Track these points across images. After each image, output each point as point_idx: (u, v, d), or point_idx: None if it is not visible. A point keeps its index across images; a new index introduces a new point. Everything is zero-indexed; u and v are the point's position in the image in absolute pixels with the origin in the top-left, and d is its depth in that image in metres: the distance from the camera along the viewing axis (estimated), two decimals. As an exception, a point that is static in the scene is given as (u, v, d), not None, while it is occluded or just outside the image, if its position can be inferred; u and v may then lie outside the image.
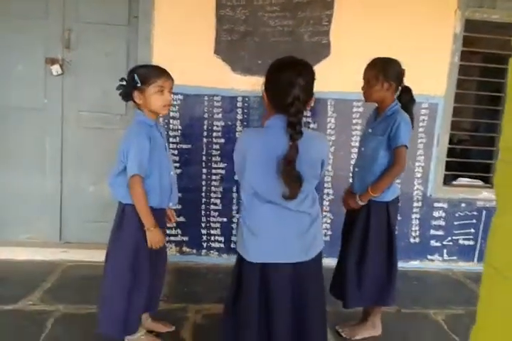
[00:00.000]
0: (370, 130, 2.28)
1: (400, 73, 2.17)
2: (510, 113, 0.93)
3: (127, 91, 1.94)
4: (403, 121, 2.12)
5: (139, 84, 1.90)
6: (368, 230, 2.24)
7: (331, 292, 2.35)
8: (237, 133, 3.12)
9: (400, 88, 2.20)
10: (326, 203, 3.25)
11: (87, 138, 3.16)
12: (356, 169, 2.35)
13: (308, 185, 1.57)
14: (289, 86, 1.50)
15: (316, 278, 1.67)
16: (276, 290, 1.60)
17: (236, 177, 1.69)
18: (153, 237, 1.99)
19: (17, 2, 3.00)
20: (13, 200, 3.18)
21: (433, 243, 3.36)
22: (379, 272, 2.28)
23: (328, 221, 3.25)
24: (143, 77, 1.90)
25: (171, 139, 3.07)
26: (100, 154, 3.15)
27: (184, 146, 3.11)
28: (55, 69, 3.03)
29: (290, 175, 1.48)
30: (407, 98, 2.21)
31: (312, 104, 1.64)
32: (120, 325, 2.02)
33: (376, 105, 2.29)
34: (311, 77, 1.56)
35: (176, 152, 3.10)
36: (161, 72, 1.96)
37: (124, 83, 1.94)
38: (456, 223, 3.34)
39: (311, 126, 3.16)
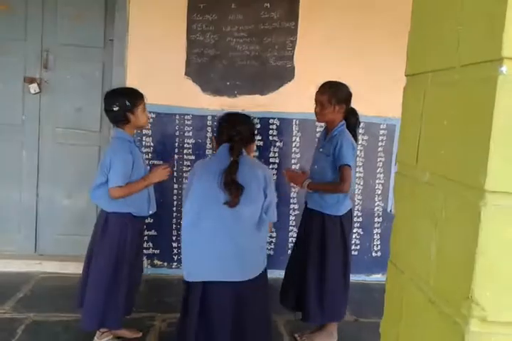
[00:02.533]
0: (320, 149, 2.44)
1: (348, 96, 2.34)
2: (402, 133, 1.11)
3: (123, 114, 2.16)
4: (345, 142, 2.27)
5: (130, 107, 2.16)
6: (325, 244, 2.34)
7: (282, 303, 2.45)
8: (207, 150, 3.27)
9: (347, 110, 2.36)
10: (292, 218, 3.40)
11: (63, 154, 3.28)
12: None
13: (251, 200, 1.74)
14: (230, 139, 1.85)
15: (258, 300, 1.81)
16: (215, 310, 1.73)
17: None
18: (156, 177, 2.24)
19: (-3, 24, 3.15)
20: (-10, 213, 3.26)
21: (394, 256, 3.50)
22: (338, 287, 2.37)
23: (294, 235, 3.39)
24: (132, 99, 2.17)
25: (143, 155, 3.19)
26: (75, 169, 3.27)
27: (156, 162, 3.23)
28: (33, 87, 3.16)
29: (231, 182, 1.69)
30: (353, 119, 2.38)
31: (253, 149, 1.98)
32: (99, 317, 2.16)
33: (325, 125, 2.46)
34: (247, 129, 1.93)
35: (148, 167, 3.20)
36: (141, 93, 2.24)
37: (118, 108, 2.15)
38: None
39: (277, 144, 3.32)
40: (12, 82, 3.19)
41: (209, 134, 3.27)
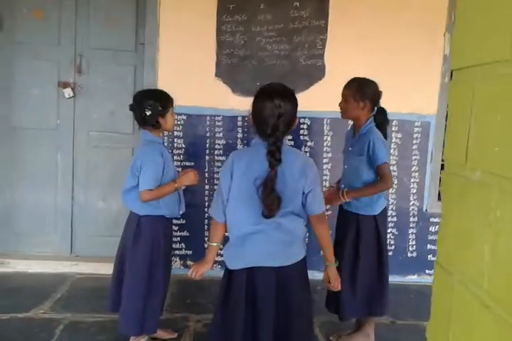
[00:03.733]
0: (350, 148, 2.40)
1: (375, 94, 2.29)
2: (450, 130, 1.07)
3: (155, 118, 2.15)
4: (377, 140, 2.23)
5: (161, 111, 2.15)
6: (359, 243, 2.32)
7: (326, 306, 2.43)
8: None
9: (375, 108, 2.31)
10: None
11: (97, 157, 3.34)
12: (342, 186, 2.42)
13: (290, 202, 1.68)
14: (269, 117, 1.64)
15: (297, 284, 1.75)
16: (260, 294, 1.69)
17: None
18: (185, 180, 2.20)
19: (33, 31, 3.22)
20: (27, 215, 3.35)
21: (430, 257, 3.43)
22: (371, 283, 2.34)
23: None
24: (163, 102, 2.16)
25: (175, 157, 3.23)
26: (109, 171, 3.32)
27: (187, 164, 3.26)
28: (67, 92, 3.23)
29: (268, 197, 1.62)
30: (381, 118, 2.32)
31: (294, 128, 1.77)
32: (138, 323, 2.17)
33: (352, 122, 2.42)
34: (291, 106, 1.68)
35: (179, 169, 3.23)
36: (169, 96, 2.22)
37: (150, 113, 2.14)
38: (452, 237, 3.40)
39: (309, 144, 3.30)
40: (47, 87, 3.26)
41: (239, 135, 3.28)
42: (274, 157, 1.62)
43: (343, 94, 2.33)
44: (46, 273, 3.22)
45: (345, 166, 2.45)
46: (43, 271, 3.23)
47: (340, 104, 2.35)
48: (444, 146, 3.14)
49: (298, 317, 1.73)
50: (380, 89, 2.31)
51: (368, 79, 2.31)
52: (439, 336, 1.04)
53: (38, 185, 3.33)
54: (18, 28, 3.21)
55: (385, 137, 2.34)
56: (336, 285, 1.88)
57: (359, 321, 2.50)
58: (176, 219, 2.45)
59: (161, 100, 2.17)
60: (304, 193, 1.71)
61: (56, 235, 3.39)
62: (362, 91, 2.28)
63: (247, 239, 1.71)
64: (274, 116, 1.63)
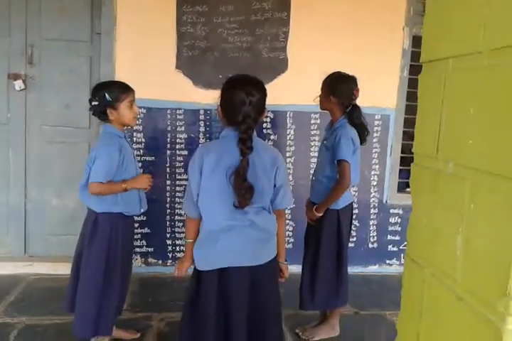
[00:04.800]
0: (324, 141, 2.41)
1: (346, 91, 2.29)
2: (419, 122, 1.06)
3: (101, 109, 2.05)
4: (343, 136, 2.24)
5: (111, 102, 2.03)
6: (320, 236, 2.35)
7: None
8: (200, 145, 3.21)
9: (352, 105, 2.32)
10: (287, 211, 3.36)
11: (51, 152, 3.19)
12: (313, 178, 2.48)
13: (262, 196, 1.65)
14: (240, 105, 1.61)
15: (270, 282, 1.74)
16: (233, 294, 1.66)
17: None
18: (137, 184, 2.11)
19: (-21, 19, 3.03)
20: (-23, 215, 3.17)
21: (390, 248, 3.51)
22: (329, 277, 2.38)
23: (290, 228, 3.36)
24: (114, 94, 2.04)
25: (135, 152, 3.12)
26: (63, 167, 3.19)
27: (148, 158, 3.18)
28: (18, 84, 3.06)
29: (241, 186, 1.59)
30: (353, 115, 2.32)
31: (263, 119, 1.75)
32: (92, 325, 2.08)
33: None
34: (261, 95, 1.67)
35: (140, 164, 3.14)
36: (127, 88, 2.11)
37: (97, 103, 2.03)
38: (411, 228, 3.48)
39: (272, 137, 3.28)
40: (-4, 79, 3.08)
41: (201, 129, 3.22)
42: (245, 145, 1.60)
43: (321, 87, 2.36)
44: (-1, 275, 3.07)
45: (318, 159, 2.48)
46: (-5, 273, 3.08)
47: (320, 96, 2.37)
48: (404, 139, 3.19)
49: (270, 316, 1.72)
50: (357, 88, 2.31)
51: (344, 76, 2.32)
52: (410, 329, 1.04)
53: (-13, 183, 3.16)
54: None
55: (362, 140, 2.35)
56: (286, 273, 1.88)
57: (323, 313, 2.53)
58: (136, 216, 2.36)
59: (113, 91, 2.04)
60: (275, 186, 1.69)
61: (9, 235, 3.23)
62: (332, 86, 2.31)
63: (220, 237, 1.66)
64: (244, 104, 1.61)
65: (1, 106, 3.12)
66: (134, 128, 3.11)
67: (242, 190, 1.59)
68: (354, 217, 3.39)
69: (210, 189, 1.66)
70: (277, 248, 1.77)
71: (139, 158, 3.14)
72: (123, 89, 2.08)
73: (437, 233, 0.93)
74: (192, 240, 1.77)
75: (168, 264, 3.29)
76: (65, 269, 2.97)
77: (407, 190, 3.57)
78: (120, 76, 2.94)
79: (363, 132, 2.36)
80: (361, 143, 2.37)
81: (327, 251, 2.36)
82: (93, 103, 2.04)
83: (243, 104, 1.61)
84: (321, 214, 2.32)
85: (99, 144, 2.10)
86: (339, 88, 2.30)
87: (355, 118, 2.32)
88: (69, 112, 3.15)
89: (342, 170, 2.25)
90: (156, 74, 3.08)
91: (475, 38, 0.81)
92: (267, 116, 3.22)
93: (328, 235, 2.35)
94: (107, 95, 2.02)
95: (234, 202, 1.61)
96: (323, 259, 2.36)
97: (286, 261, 1.87)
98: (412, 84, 3.42)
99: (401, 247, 3.51)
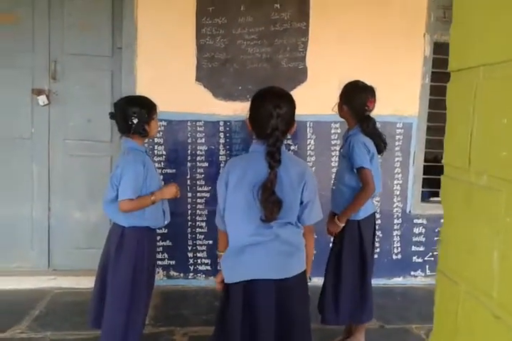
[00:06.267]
0: (341, 149, 2.40)
1: (362, 102, 2.26)
2: (449, 132, 1.03)
3: (142, 126, 2.09)
4: (356, 143, 2.22)
5: (148, 118, 2.10)
6: (342, 248, 2.31)
7: (318, 309, 2.39)
8: (220, 156, 3.21)
9: (365, 116, 2.28)
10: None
11: (74, 166, 3.22)
12: (333, 187, 2.46)
13: (289, 211, 1.62)
14: (268, 117, 1.59)
15: (298, 296, 1.68)
16: (260, 308, 1.62)
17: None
18: (166, 193, 2.15)
19: (4, 35, 3.10)
20: (1, 228, 3.20)
21: (415, 259, 3.43)
22: (353, 290, 2.33)
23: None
24: (149, 109, 2.11)
25: (156, 164, 3.14)
26: (86, 181, 3.21)
27: (169, 171, 3.19)
28: (42, 99, 3.11)
29: (269, 200, 1.56)
30: (366, 127, 2.28)
31: (294, 131, 1.72)
32: (119, 339, 2.07)
33: None
34: (290, 107, 1.65)
35: (161, 177, 3.16)
36: (153, 102, 2.17)
37: (136, 120, 2.07)
38: (436, 238, 3.39)
39: (292, 148, 3.26)
40: (20, 95, 3.13)
41: (222, 140, 3.21)
42: (274, 158, 1.57)
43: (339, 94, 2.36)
44: (23, 290, 3.08)
45: (338, 168, 2.47)
46: (19, 288, 3.09)
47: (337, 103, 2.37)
48: (427, 147, 3.13)
49: (299, 332, 1.67)
50: (372, 99, 2.28)
51: (359, 86, 2.30)
52: (444, 347, 0.99)
53: (12, 197, 3.20)
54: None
55: (380, 151, 2.32)
56: None
57: (348, 327, 2.47)
58: (159, 228, 2.37)
59: (147, 107, 2.11)
60: (302, 203, 1.65)
61: (33, 249, 3.25)
62: (346, 96, 2.31)
63: (245, 250, 1.63)
64: (273, 116, 1.59)
65: (25, 121, 3.16)
66: (155, 141, 3.13)
67: (270, 204, 1.56)
68: (377, 227, 3.35)
69: (235, 204, 1.64)
70: (307, 263, 1.73)
71: (160, 170, 3.15)
72: (153, 105, 2.15)
73: (471, 248, 0.89)
74: (223, 253, 1.76)
75: (189, 277, 3.28)
76: (88, 283, 2.97)
77: (431, 199, 3.50)
78: (141, 89, 2.98)
79: (379, 143, 2.32)
80: (379, 154, 2.34)
81: (349, 264, 2.31)
82: (134, 121, 2.07)
83: (271, 116, 1.59)
84: (343, 225, 2.28)
85: (123, 161, 2.11)
86: (352, 98, 2.28)
87: (367, 128, 2.28)
88: (91, 126, 3.18)
89: (364, 178, 2.21)
90: (177, 87, 3.10)
91: (507, 45, 0.78)
92: (287, 127, 3.20)
93: (349, 247, 2.31)
94: (145, 113, 2.08)
95: (261, 216, 1.59)
96: (346, 272, 2.31)
97: (309, 278, 1.83)
98: (434, 91, 3.37)
99: (426, 258, 3.43)
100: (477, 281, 0.85)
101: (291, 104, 1.67)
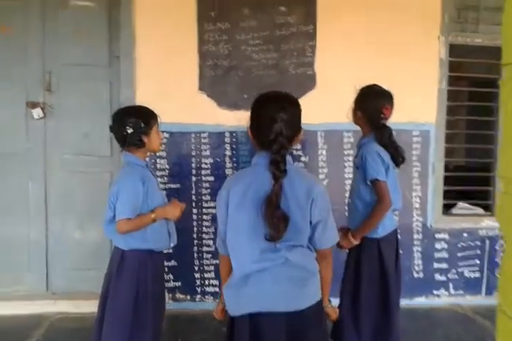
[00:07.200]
0: (354, 159, 2.23)
1: (376, 108, 2.08)
2: (506, 140, 0.84)
3: (138, 137, 1.93)
4: (369, 153, 2.04)
5: (145, 128, 1.93)
6: (360, 268, 2.12)
7: (332, 336, 2.18)
8: (226, 169, 3.03)
9: (380, 124, 2.10)
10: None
11: (72, 182, 3.06)
12: (348, 201, 2.27)
13: (297, 232, 1.41)
14: (271, 121, 1.40)
15: (314, 332, 1.46)
16: None
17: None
18: (169, 213, 1.97)
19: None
20: (-3, 250, 3.06)
21: (438, 277, 3.21)
22: (375, 313, 2.12)
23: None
24: (146, 119, 1.94)
25: (158, 179, 2.97)
26: (86, 198, 3.05)
27: (172, 186, 3.02)
28: (37, 112, 2.97)
29: (273, 215, 1.36)
30: (380, 136, 2.09)
31: (301, 139, 1.53)
32: None
33: None
34: (295, 110, 1.47)
35: (164, 192, 2.99)
36: (154, 112, 2.01)
37: (132, 131, 1.91)
38: (459, 254, 3.20)
39: (302, 159, 3.07)
40: (14, 108, 2.99)
41: (228, 152, 3.04)
42: (278, 167, 1.37)
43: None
44: (20, 315, 2.89)
45: (352, 179, 2.30)
46: (16, 313, 2.91)
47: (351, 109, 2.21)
48: (445, 156, 2.87)
49: None
50: (388, 106, 2.09)
51: (375, 90, 2.13)
52: None
53: (7, 216, 3.04)
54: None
55: (397, 163, 2.13)
56: (334, 316, 1.65)
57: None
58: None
59: (144, 116, 1.95)
60: (311, 223, 1.44)
61: (30, 271, 3.08)
62: (360, 100, 2.14)
63: (250, 278, 1.42)
64: (275, 120, 1.40)
65: (20, 136, 3.02)
66: (158, 154, 2.96)
67: (275, 219, 1.35)
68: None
69: (237, 226, 1.43)
70: (323, 291, 1.50)
71: (163, 185, 2.98)
72: (152, 114, 1.99)
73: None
74: (225, 280, 1.55)
75: (196, 300, 3.08)
76: (89, 307, 2.80)
77: (453, 212, 3.28)
78: (141, 100, 2.83)
79: (396, 156, 2.12)
80: (397, 166, 2.15)
81: (369, 285, 2.10)
82: (128, 131, 1.91)
83: (274, 120, 1.40)
84: (357, 242, 2.08)
85: (120, 176, 1.97)
86: (366, 103, 2.10)
87: (382, 139, 2.09)
88: (89, 140, 3.03)
89: (378, 191, 2.02)
90: (179, 97, 2.95)
91: None
92: (296, 137, 3.02)
93: (368, 268, 2.10)
94: (141, 122, 1.91)
95: (265, 234, 1.38)
96: (365, 295, 2.10)
97: (330, 301, 1.62)
98: (452, 96, 3.18)
99: (449, 276, 3.21)
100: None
101: (296, 107, 1.48)
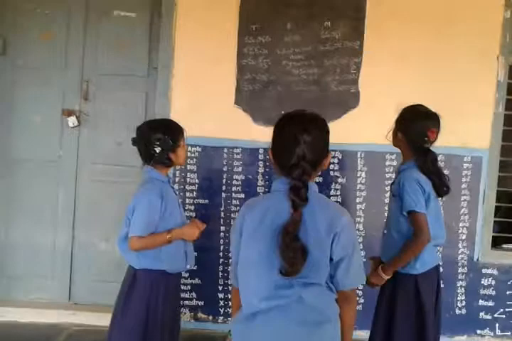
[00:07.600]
0: (391, 186, 2.04)
1: (420, 130, 1.91)
2: None
3: (166, 155, 1.88)
4: (407, 181, 1.87)
5: (173, 146, 1.89)
6: (394, 305, 1.94)
7: None
8: (258, 187, 2.92)
9: (424, 148, 1.92)
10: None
11: (101, 192, 3.05)
12: (384, 231, 2.11)
13: (314, 269, 1.24)
14: (292, 144, 1.26)
15: None
16: None
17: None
18: (186, 234, 1.89)
19: (36, 53, 3.02)
20: (22, 256, 3.07)
21: (482, 315, 2.94)
22: None
23: (360, 287, 2.90)
24: (174, 136, 1.90)
25: (187, 193, 2.91)
26: (114, 209, 2.98)
27: (201, 201, 2.94)
28: (72, 120, 2.98)
29: (290, 247, 1.20)
30: (423, 162, 1.91)
31: (327, 164, 1.37)
32: None
33: None
34: (320, 132, 1.31)
35: (192, 207, 2.92)
36: (180, 127, 1.96)
37: (159, 149, 1.86)
38: (508, 292, 2.92)
39: (339, 180, 2.92)
40: (50, 115, 3.02)
41: (260, 169, 2.93)
42: (299, 195, 1.22)
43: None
44: (39, 323, 2.88)
45: (389, 207, 2.14)
46: (36, 321, 2.90)
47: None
48: (498, 185, 2.57)
49: None
50: (434, 128, 1.93)
51: (420, 111, 1.97)
52: None
53: (35, 223, 3.04)
54: (22, 51, 3.02)
55: (441, 194, 1.96)
56: None
57: None
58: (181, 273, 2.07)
59: (171, 133, 1.90)
60: (332, 260, 1.26)
61: (53, 279, 3.07)
62: (402, 121, 1.98)
63: (258, 316, 1.26)
64: (298, 143, 1.25)
65: (53, 143, 3.05)
66: (188, 168, 2.90)
67: (291, 252, 1.19)
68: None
69: (249, 257, 1.29)
70: (343, 337, 1.31)
71: (191, 200, 2.92)
72: (179, 129, 1.94)
73: None
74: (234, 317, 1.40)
75: (219, 321, 2.95)
76: (107, 321, 2.71)
77: (504, 246, 3.01)
78: (176, 112, 2.82)
79: (439, 185, 1.93)
80: (439, 196, 1.97)
81: (403, 327, 1.91)
82: (156, 150, 1.85)
83: (296, 142, 1.25)
84: (388, 277, 1.90)
85: (138, 192, 1.90)
86: (409, 125, 1.94)
87: (425, 165, 1.91)
88: (121, 150, 3.00)
89: (415, 224, 1.85)
90: (213, 110, 2.88)
91: None
92: (334, 157, 2.87)
93: (403, 307, 1.91)
94: (170, 140, 1.86)
95: (280, 268, 1.21)
96: (399, 336, 1.92)
97: None
98: (509, 120, 2.94)
99: (496, 315, 2.93)
100: None
101: (322, 128, 1.33)
